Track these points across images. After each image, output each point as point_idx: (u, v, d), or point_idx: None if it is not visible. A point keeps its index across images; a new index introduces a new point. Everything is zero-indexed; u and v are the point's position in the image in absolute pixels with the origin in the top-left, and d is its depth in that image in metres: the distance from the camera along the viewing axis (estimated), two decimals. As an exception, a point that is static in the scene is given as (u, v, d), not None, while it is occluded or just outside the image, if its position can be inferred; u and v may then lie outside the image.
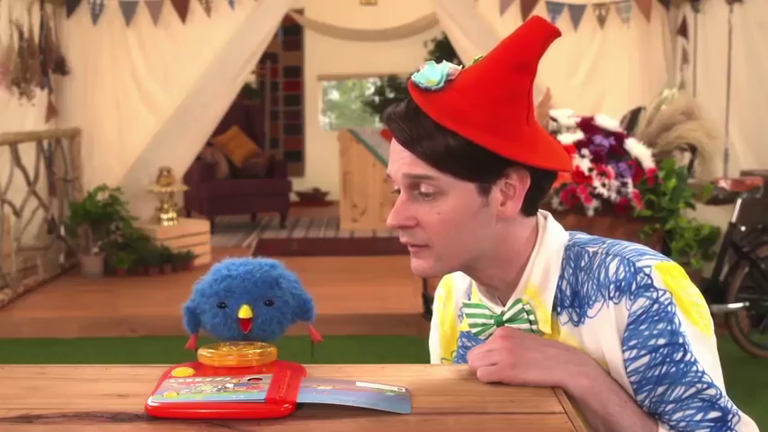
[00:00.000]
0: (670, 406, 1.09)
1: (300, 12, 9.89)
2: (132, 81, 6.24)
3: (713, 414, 1.09)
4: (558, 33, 1.13)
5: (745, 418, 1.11)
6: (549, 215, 1.24)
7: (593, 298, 1.14)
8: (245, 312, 1.09)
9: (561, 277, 1.17)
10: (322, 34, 10.09)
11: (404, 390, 1.04)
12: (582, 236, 1.23)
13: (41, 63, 5.87)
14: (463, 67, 1.16)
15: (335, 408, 0.97)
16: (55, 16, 6.13)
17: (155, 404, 0.97)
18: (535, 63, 1.13)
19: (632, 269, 1.12)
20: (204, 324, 1.13)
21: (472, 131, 1.09)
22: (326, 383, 1.04)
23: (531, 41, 1.12)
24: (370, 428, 0.94)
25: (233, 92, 6.49)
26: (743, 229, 4.24)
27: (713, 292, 4.18)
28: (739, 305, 4.20)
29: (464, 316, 1.27)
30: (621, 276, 1.12)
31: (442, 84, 1.11)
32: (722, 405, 1.09)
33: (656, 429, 1.11)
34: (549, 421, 0.98)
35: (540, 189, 1.17)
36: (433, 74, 1.12)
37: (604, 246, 1.18)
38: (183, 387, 1.01)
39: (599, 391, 1.10)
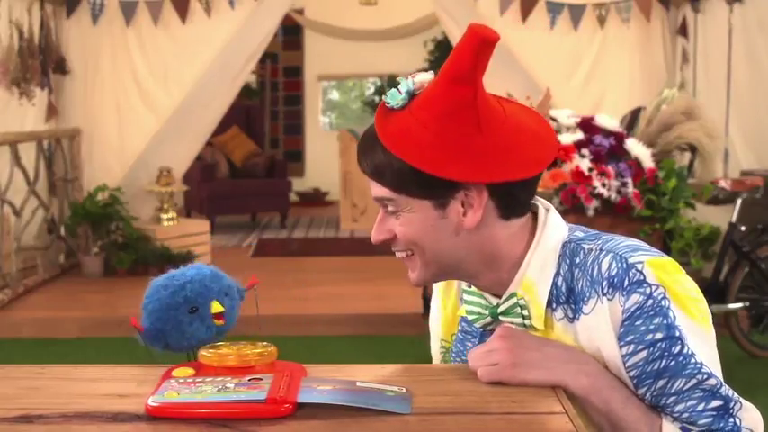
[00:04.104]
0: (672, 398, 1.10)
1: (300, 12, 9.88)
2: (132, 81, 6.23)
3: (715, 403, 1.10)
4: (495, 38, 1.10)
5: (746, 404, 1.12)
6: (552, 207, 1.24)
7: (588, 294, 1.15)
8: (217, 307, 1.14)
9: (557, 274, 1.18)
10: (322, 34, 10.08)
11: (404, 390, 1.05)
12: (579, 232, 1.23)
13: (41, 63, 5.87)
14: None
15: (335, 408, 0.97)
16: (55, 16, 6.13)
17: (155, 404, 0.97)
18: (472, 73, 1.11)
19: (624, 265, 1.12)
20: (174, 341, 1.15)
21: (416, 154, 1.11)
22: (326, 383, 1.04)
23: (464, 52, 1.11)
24: (370, 428, 0.94)
25: (233, 92, 6.49)
26: (743, 229, 4.23)
27: (713, 292, 4.18)
28: (739, 305, 4.19)
29: (464, 302, 1.29)
30: (614, 273, 1.12)
31: (405, 101, 1.15)
32: (723, 394, 1.10)
33: (659, 422, 1.12)
34: (549, 421, 0.98)
35: (510, 195, 1.16)
36: (397, 93, 1.15)
37: (599, 242, 1.18)
38: (183, 387, 1.02)
39: (600, 389, 1.11)
